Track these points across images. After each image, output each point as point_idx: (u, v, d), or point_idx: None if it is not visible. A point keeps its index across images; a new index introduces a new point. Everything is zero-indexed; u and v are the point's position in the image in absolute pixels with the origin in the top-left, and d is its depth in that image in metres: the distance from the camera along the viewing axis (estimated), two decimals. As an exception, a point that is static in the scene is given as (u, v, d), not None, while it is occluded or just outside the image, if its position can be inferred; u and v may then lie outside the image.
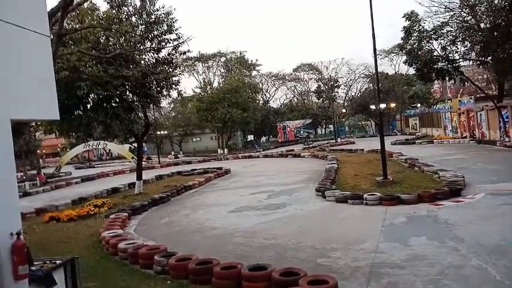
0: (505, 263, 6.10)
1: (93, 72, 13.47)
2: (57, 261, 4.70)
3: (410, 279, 5.88)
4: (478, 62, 25.92)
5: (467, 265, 6.21)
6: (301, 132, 56.72)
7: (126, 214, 12.45)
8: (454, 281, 5.66)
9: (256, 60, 58.08)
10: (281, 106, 65.43)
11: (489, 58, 23.50)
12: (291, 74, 64.18)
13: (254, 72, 59.80)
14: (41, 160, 40.79)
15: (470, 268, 6.08)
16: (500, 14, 19.84)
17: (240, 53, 56.96)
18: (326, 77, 62.06)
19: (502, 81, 27.62)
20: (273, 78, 63.27)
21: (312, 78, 64.68)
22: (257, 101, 56.29)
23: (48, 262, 4.65)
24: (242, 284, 5.96)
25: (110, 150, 49.70)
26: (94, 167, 44.17)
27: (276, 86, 65.26)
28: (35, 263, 4.44)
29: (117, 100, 15.45)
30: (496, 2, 21.48)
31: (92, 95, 14.63)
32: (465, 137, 31.37)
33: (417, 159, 18.93)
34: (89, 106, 15.35)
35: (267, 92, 65.18)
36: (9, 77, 3.66)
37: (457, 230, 8.12)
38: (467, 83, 30.09)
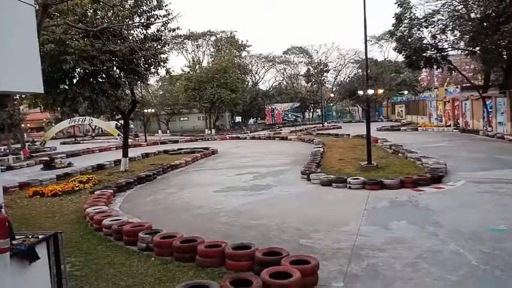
0: (481, 249, 6.31)
1: (79, 45, 13.16)
2: (40, 236, 4.67)
3: (389, 262, 6.04)
4: (467, 52, 26.12)
5: (445, 250, 6.40)
6: (289, 115, 56.73)
7: (111, 191, 12.41)
8: (431, 265, 5.84)
9: (247, 40, 57.45)
10: (270, 88, 65.15)
11: (477, 48, 23.70)
12: (281, 56, 63.83)
13: (244, 53, 59.24)
14: (25, 134, 40.08)
15: (447, 253, 6.28)
16: (491, 4, 19.94)
17: (231, 33, 56.23)
18: (316, 61, 61.92)
19: (488, 71, 27.98)
20: (263, 60, 62.82)
21: (301, 62, 64.52)
22: (246, 83, 55.89)
23: (30, 236, 4.61)
24: (226, 262, 6.04)
25: (96, 126, 49.10)
26: (80, 142, 43.63)
27: (266, 68, 64.95)
28: (17, 237, 4.41)
29: (104, 76, 15.16)
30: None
31: (78, 69, 14.31)
32: (449, 126, 31.82)
33: (401, 146, 19.18)
34: (74, 81, 15.03)
35: (256, 73, 64.85)
36: (-9, 47, 3.56)
37: (437, 215, 8.33)
38: (455, 72, 30.38)
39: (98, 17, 14.58)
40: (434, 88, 42.64)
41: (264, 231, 7.99)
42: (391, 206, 9.52)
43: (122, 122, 24.88)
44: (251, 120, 60.94)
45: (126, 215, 9.47)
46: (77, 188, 13.80)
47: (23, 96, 18.57)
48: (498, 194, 9.87)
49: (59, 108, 17.69)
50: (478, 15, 22.24)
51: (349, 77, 59.90)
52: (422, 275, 5.54)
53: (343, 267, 5.95)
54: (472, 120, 28.38)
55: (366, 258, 6.25)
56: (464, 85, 33.27)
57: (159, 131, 52.54)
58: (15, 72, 3.89)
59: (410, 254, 6.29)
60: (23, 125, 34.90)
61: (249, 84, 59.72)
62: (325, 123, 49.85)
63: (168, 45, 18.43)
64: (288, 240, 7.34)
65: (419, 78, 54.85)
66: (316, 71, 60.95)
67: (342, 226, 7.97)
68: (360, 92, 26.76)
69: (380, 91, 39.36)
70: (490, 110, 25.01)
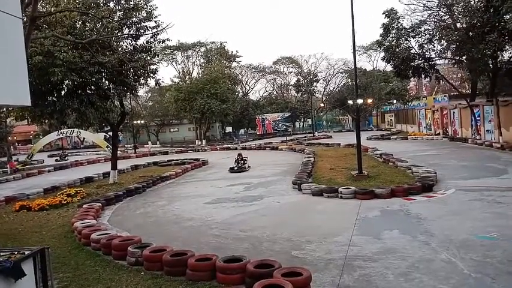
0: (472, 257, 6.32)
1: (68, 57, 13.09)
2: (26, 252, 4.56)
3: (382, 272, 6.01)
4: (453, 61, 26.52)
5: (437, 259, 6.39)
6: (280, 125, 56.87)
7: (100, 204, 12.23)
8: (424, 274, 5.82)
9: (237, 51, 57.74)
10: (260, 99, 65.33)
11: (464, 57, 24.09)
12: (271, 66, 64.18)
13: (234, 64, 59.42)
14: (12, 147, 39.50)
15: (439, 262, 6.27)
16: (476, 14, 20.34)
17: (221, 44, 56.46)
18: (305, 71, 62.40)
19: (475, 80, 28.41)
20: (253, 70, 63.07)
21: (291, 72, 64.94)
22: (236, 93, 55.94)
23: (16, 252, 4.51)
24: (217, 276, 5.95)
25: (84, 138, 48.65)
26: (67, 155, 43.05)
27: (256, 78, 65.15)
28: (2, 253, 4.31)
29: (93, 87, 15.10)
30: (472, 2, 22.03)
31: (67, 81, 14.22)
32: (438, 134, 32.15)
33: (391, 155, 19.30)
34: (63, 93, 14.94)
35: (246, 84, 64.99)
36: (-23, 59, 3.50)
37: (428, 224, 8.35)
38: (442, 81, 30.78)
39: (87, 28, 14.55)
40: (423, 97, 43.18)
41: (256, 243, 7.91)
42: (382, 215, 9.52)
43: (110, 133, 24.66)
44: (242, 131, 60.92)
45: (115, 229, 9.34)
46: (65, 202, 13.59)
47: (10, 108, 18.34)
48: (488, 202, 9.94)
49: (46, 121, 17.49)
50: (464, 25, 22.64)
51: (338, 87, 60.38)
52: (415, 285, 5.51)
53: (335, 278, 5.90)
54: (460, 128, 28.70)
55: (359, 268, 6.21)
56: (452, 94, 33.70)
57: (149, 143, 52.25)
58: (2, 84, 3.83)
59: (403, 264, 6.27)
60: (9, 138, 34.40)
61: (240, 94, 59.79)
62: (316, 133, 50.07)
63: (158, 56, 18.45)
64: (280, 251, 7.28)
65: (408, 87, 55.48)
66: (306, 81, 61.36)
67: (333, 237, 7.93)
68: (350, 102, 27.01)
69: (369, 100, 39.67)
70: (478, 118, 25.34)
